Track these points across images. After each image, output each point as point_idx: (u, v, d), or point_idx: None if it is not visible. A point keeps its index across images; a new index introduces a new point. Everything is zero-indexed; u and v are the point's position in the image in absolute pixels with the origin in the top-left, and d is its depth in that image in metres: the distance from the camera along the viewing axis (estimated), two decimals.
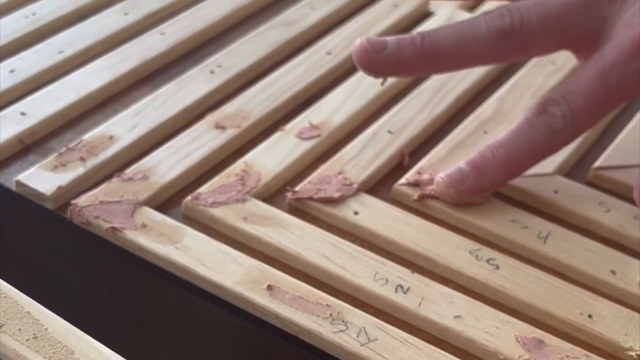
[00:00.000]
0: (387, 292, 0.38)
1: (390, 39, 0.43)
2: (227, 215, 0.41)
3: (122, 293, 0.42)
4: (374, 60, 0.43)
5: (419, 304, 0.38)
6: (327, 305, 0.37)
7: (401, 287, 0.39)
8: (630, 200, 0.44)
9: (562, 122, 0.42)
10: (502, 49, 0.43)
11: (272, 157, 0.45)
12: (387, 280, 0.39)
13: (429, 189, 0.43)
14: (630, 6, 0.42)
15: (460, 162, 0.43)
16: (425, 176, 0.44)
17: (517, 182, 0.44)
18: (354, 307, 0.38)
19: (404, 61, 0.43)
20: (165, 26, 0.54)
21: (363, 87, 0.50)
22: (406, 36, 0.43)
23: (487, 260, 0.40)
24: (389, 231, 0.41)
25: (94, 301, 0.44)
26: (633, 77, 0.42)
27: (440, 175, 0.43)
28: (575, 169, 0.47)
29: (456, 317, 0.38)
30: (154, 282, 0.40)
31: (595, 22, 0.43)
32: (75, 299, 0.44)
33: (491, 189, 0.44)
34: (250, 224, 0.41)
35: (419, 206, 0.43)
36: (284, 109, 0.49)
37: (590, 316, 0.38)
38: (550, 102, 0.42)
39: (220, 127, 0.46)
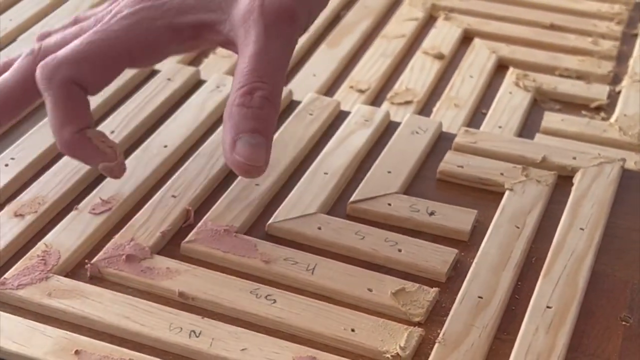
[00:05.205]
0: (181, 339, 0.44)
1: None
2: (33, 294, 0.46)
3: None
4: None
5: (210, 344, 0.44)
6: (130, 359, 0.43)
7: (194, 332, 0.45)
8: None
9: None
10: (31, 65, 0.52)
11: (69, 234, 0.50)
12: (181, 329, 0.45)
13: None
14: None
15: None
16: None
17: (285, 224, 0.52)
18: (155, 357, 0.44)
19: None
20: None
21: (146, 158, 0.56)
22: None
23: (266, 297, 0.47)
24: (180, 285, 0.48)
25: None
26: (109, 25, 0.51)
27: None
28: (335, 206, 0.54)
29: (242, 350, 0.44)
30: None
31: None
32: None
33: None
34: (54, 299, 0.46)
35: (207, 258, 0.50)
36: (76, 189, 0.54)
37: (353, 330, 0.45)
38: None
39: (19, 215, 0.51)
